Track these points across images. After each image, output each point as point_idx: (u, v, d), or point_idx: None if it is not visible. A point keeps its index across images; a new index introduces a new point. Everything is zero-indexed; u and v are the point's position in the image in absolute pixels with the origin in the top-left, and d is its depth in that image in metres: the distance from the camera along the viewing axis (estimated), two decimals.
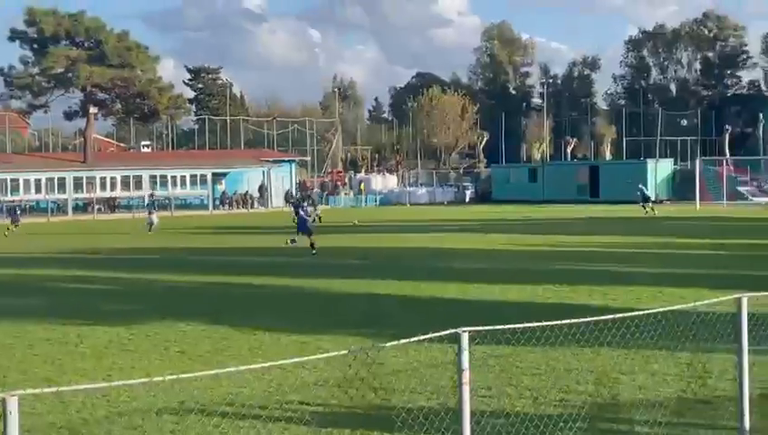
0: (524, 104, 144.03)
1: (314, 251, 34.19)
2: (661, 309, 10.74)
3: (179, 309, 20.49)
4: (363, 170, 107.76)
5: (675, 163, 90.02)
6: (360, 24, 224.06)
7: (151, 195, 72.09)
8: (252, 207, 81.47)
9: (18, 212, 58.17)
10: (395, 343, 7.11)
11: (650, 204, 59.09)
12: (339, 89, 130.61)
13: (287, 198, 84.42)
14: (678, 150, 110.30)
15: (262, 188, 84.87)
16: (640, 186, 61.27)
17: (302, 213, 37.62)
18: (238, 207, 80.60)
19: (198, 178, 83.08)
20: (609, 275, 24.94)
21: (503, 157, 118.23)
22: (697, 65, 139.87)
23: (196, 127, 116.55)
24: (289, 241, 36.67)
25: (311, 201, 36.82)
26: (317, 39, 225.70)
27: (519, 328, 7.68)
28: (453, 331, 6.82)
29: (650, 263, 28.67)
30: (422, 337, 7.13)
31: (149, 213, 55.63)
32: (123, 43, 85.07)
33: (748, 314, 9.18)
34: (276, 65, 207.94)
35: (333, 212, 73.20)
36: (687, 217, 55.63)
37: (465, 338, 6.73)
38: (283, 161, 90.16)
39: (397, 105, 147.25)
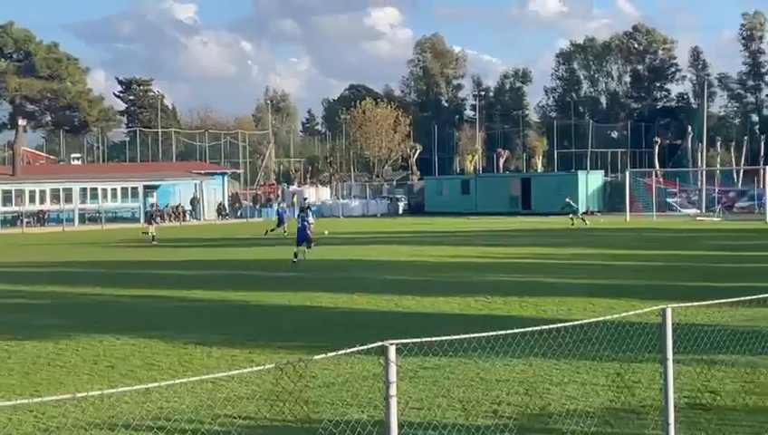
0: (457, 116, 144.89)
1: (295, 260, 34.36)
2: (591, 320, 10.83)
3: (109, 323, 20.25)
4: (296, 183, 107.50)
5: (605, 175, 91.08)
6: (292, 36, 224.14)
7: (152, 205, 70.51)
8: (184, 219, 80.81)
9: None
10: (322, 356, 7.09)
11: (579, 215, 59.71)
12: (271, 101, 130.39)
13: (220, 210, 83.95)
14: (609, 162, 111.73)
15: (194, 201, 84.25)
16: (567, 199, 61.85)
17: (305, 223, 36.13)
18: (170, 220, 79.88)
19: (129, 190, 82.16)
20: (541, 287, 25.14)
21: (435, 169, 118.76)
22: (627, 78, 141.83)
23: (128, 139, 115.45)
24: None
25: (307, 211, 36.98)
26: (250, 51, 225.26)
27: (446, 340, 7.70)
28: (380, 343, 6.82)
29: (581, 274, 28.96)
30: (349, 350, 7.12)
31: (149, 223, 54.89)
32: (53, 54, 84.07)
33: (675, 325, 9.30)
34: (209, 77, 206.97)
35: (267, 225, 72.88)
36: (618, 228, 56.30)
37: (392, 351, 6.73)
38: (216, 174, 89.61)
39: (330, 117, 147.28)
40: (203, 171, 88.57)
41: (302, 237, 35.28)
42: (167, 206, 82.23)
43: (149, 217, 55.90)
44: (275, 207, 74.37)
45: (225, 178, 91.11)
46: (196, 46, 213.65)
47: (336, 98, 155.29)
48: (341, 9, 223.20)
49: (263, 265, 34.58)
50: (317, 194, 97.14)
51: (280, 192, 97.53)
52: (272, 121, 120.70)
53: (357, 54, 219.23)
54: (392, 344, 6.74)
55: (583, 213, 64.89)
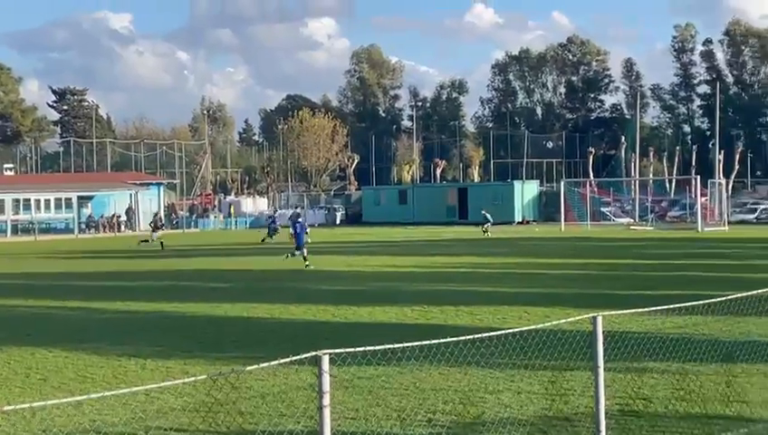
0: (394, 127, 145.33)
1: (308, 263, 36.14)
2: (526, 328, 10.93)
3: (42, 336, 19.96)
4: (233, 193, 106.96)
5: (541, 185, 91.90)
6: (229, 46, 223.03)
7: (156, 214, 69.12)
8: (119, 230, 79.95)
9: None
10: (255, 366, 7.08)
11: (487, 226, 60.27)
12: (208, 111, 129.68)
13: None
14: (544, 172, 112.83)
15: (129, 212, 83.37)
16: (483, 211, 62.36)
17: (299, 229, 38.47)
18: (105, 231, 78.96)
19: (63, 201, 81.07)
20: (476, 296, 25.28)
21: (373, 179, 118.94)
22: (562, 89, 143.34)
23: (62, 149, 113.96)
24: (288, 255, 37.78)
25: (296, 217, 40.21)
26: (186, 61, 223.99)
27: (380, 349, 7.72)
28: (313, 354, 6.82)
29: (516, 283, 29.18)
30: (282, 361, 7.11)
31: (153, 230, 54.57)
32: None
33: (608, 333, 9.43)
34: (145, 87, 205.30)
35: (204, 235, 72.51)
36: (552, 237, 56.82)
37: (325, 361, 6.74)
38: (151, 184, 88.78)
39: (267, 127, 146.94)
40: (138, 182, 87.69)
41: (301, 241, 37.70)
42: (102, 216, 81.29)
43: (156, 225, 55.39)
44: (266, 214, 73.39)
45: (162, 188, 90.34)
46: (132, 56, 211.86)
47: (273, 108, 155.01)
48: (278, 19, 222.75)
49: (199, 276, 34.35)
50: (254, 204, 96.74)
51: (217, 202, 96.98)
52: (208, 132, 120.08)
53: (294, 64, 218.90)
54: (325, 354, 6.75)
55: (523, 223, 65.36)
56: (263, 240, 56.25)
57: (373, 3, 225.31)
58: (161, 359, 16.72)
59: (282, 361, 7.15)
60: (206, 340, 19.16)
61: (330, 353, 6.82)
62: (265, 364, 7.13)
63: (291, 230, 38.41)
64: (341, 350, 7.20)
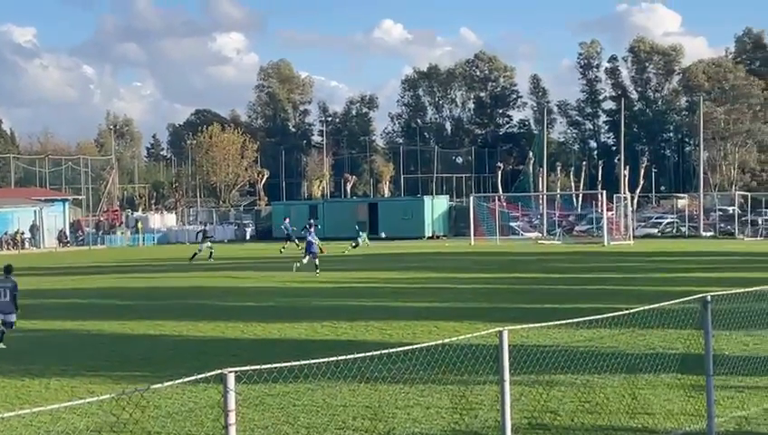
0: (304, 142, 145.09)
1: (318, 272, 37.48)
2: (435, 343, 10.94)
3: None
4: (141, 209, 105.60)
5: (450, 199, 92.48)
6: (136, 60, 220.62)
7: (204, 226, 66.47)
8: (23, 247, 78.32)
9: None
10: (159, 385, 6.95)
11: (360, 240, 60.53)
12: (114, 126, 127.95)
13: (60, 237, 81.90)
14: (454, 187, 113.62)
15: (33, 228, 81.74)
16: (357, 227, 62.87)
17: (309, 238, 40.54)
18: (8, 249, 77.27)
19: None
20: (386, 311, 25.31)
21: (283, 194, 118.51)
22: (471, 105, 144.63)
23: None
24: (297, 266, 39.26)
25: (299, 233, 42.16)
26: (92, 75, 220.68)
27: (287, 366, 7.65)
28: (219, 372, 6.73)
29: (426, 297, 29.28)
30: (187, 379, 7.00)
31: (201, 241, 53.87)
32: None
33: (518, 346, 9.49)
34: (49, 102, 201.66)
35: (110, 252, 71.42)
36: (462, 251, 57.18)
37: (230, 379, 6.65)
38: (56, 200, 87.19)
39: (176, 142, 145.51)
40: (43, 198, 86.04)
41: (312, 249, 40.10)
42: (5, 233, 79.57)
43: (204, 236, 53.92)
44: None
45: (67, 204, 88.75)
46: (36, 70, 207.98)
47: (182, 123, 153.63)
48: (186, 33, 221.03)
49: (105, 294, 33.79)
50: (162, 220, 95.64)
51: (124, 218, 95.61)
52: (115, 147, 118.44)
53: (203, 79, 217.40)
54: (231, 372, 6.66)
55: (433, 237, 65.70)
56: (201, 256, 54.30)
57: (282, 18, 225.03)
58: (66, 378, 16.40)
59: (186, 379, 7.04)
60: (112, 358, 18.84)
61: (235, 371, 6.73)
62: (170, 383, 7.01)
63: (309, 238, 40.66)
64: (247, 367, 7.11)
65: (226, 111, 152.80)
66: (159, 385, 7.00)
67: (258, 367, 7.27)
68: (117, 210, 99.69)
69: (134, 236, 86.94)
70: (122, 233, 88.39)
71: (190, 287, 35.42)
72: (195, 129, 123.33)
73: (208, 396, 13.92)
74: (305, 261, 38.97)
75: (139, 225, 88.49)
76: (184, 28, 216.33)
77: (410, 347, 10.34)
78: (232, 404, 6.69)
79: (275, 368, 7.48)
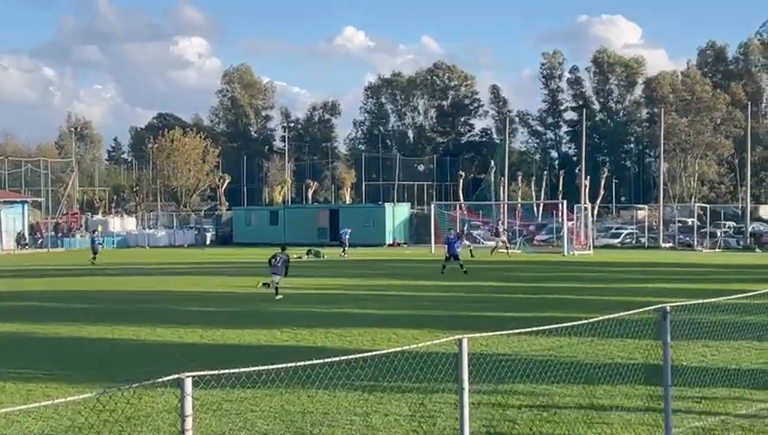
0: (266, 147, 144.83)
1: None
2: (394, 350, 10.91)
3: None
4: (101, 212, 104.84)
5: (412, 207, 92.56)
6: (97, 63, 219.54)
7: (94, 232, 64.82)
8: None
9: None
10: (115, 389, 6.87)
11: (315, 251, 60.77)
12: (75, 128, 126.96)
13: (19, 239, 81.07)
14: (415, 195, 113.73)
15: None
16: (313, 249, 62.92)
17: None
18: None
19: None
20: (346, 318, 25.27)
21: (244, 199, 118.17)
22: (433, 113, 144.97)
23: None
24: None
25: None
26: (52, 77, 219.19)
27: (245, 371, 7.59)
28: (176, 376, 6.66)
29: (386, 305, 29.26)
30: (143, 383, 6.93)
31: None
32: None
33: (477, 355, 9.48)
34: (9, 103, 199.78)
35: (69, 255, 70.80)
36: (423, 259, 57.19)
37: (188, 383, 6.58)
38: (15, 202, 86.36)
39: (137, 146, 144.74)
40: (1, 200, 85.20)
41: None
42: None
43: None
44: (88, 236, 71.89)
45: (26, 206, 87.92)
46: None
47: (144, 126, 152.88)
48: (148, 37, 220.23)
49: (63, 296, 33.47)
50: (122, 224, 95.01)
51: (83, 221, 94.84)
52: (75, 149, 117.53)
53: (164, 83, 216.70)
54: (188, 377, 6.59)
55: (394, 245, 65.71)
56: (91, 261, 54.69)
57: (244, 23, 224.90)
58: (22, 381, 16.21)
59: (143, 383, 6.97)
60: (70, 362, 18.66)
61: (192, 376, 6.66)
62: (126, 387, 6.93)
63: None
64: (205, 372, 7.05)
65: (188, 116, 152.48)
66: (116, 389, 6.91)
67: (216, 372, 7.21)
68: (76, 213, 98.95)
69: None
70: (81, 236, 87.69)
71: (149, 291, 35.17)
72: (156, 132, 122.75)
73: (165, 401, 13.81)
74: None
75: (99, 228, 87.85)
76: (146, 32, 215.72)
77: (369, 354, 10.29)
78: (189, 409, 6.62)
79: (233, 373, 7.42)
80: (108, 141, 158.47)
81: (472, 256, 54.58)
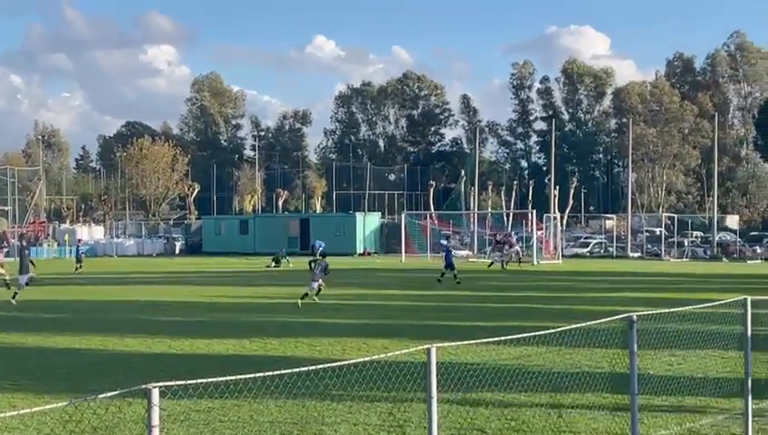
0: (236, 156, 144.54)
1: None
2: (364, 359, 10.91)
3: None
4: (68, 221, 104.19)
5: (382, 216, 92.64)
6: (65, 71, 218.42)
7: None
8: None
9: None
10: (82, 399, 6.83)
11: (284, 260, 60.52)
12: (42, 136, 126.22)
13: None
14: (386, 204, 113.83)
15: None
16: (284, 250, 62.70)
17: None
18: None
19: None
20: (316, 327, 25.23)
21: (214, 208, 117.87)
22: (404, 122, 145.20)
23: None
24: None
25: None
26: (19, 85, 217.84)
27: (213, 382, 7.57)
28: (143, 386, 6.63)
29: (356, 314, 29.24)
30: (110, 394, 6.90)
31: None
32: None
33: (446, 364, 9.50)
34: None
35: (36, 264, 70.18)
36: (393, 268, 57.28)
37: (155, 394, 6.56)
38: None
39: (105, 154, 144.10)
40: None
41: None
42: None
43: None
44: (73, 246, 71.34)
45: None
46: None
47: (112, 135, 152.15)
48: (116, 45, 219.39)
49: (29, 306, 33.18)
50: (90, 233, 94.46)
51: (51, 230, 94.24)
52: (43, 158, 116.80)
53: (133, 91, 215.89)
54: (155, 387, 6.57)
55: (364, 254, 65.63)
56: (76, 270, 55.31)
57: (214, 31, 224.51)
58: None
59: (110, 394, 6.93)
60: (36, 372, 18.51)
61: (160, 386, 6.64)
62: (93, 398, 6.89)
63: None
64: (172, 383, 7.02)
65: (157, 124, 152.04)
66: (83, 399, 6.88)
67: (183, 382, 7.19)
68: (43, 222, 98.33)
69: (60, 249, 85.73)
70: (49, 245, 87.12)
71: (117, 301, 34.98)
72: (125, 141, 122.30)
73: (133, 411, 13.74)
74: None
75: (67, 237, 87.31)
76: (114, 40, 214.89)
77: (339, 363, 10.28)
78: (156, 420, 6.60)
79: (201, 383, 7.40)
80: (76, 150, 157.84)
81: (503, 267, 54.61)
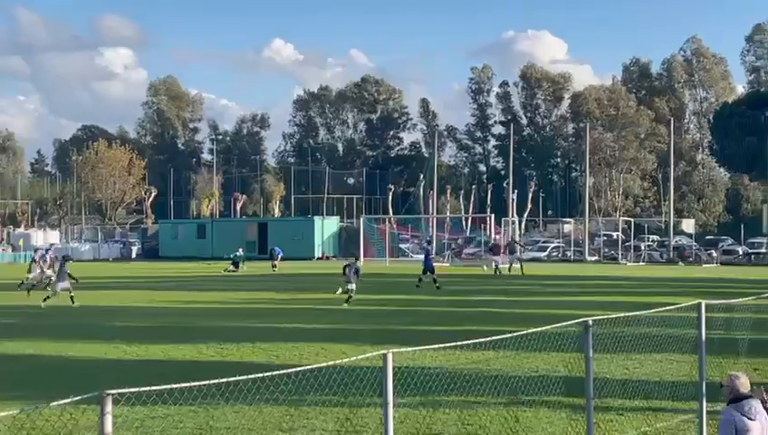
0: (194, 160, 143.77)
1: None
2: (322, 365, 10.86)
3: None
4: (23, 226, 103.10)
5: (341, 220, 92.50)
6: (19, 73, 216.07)
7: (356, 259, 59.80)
8: None
9: None
10: (33, 407, 6.72)
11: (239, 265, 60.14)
12: None
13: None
14: (345, 208, 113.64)
15: None
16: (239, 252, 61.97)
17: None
18: None
19: None
20: (274, 332, 25.12)
21: (171, 212, 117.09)
22: (362, 126, 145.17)
23: None
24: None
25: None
26: None
27: (167, 389, 7.48)
28: (96, 394, 6.53)
29: (314, 319, 29.16)
30: (62, 401, 6.79)
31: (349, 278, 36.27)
32: None
33: (404, 368, 9.46)
34: None
35: None
36: None
37: (108, 401, 6.47)
38: None
39: (61, 158, 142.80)
40: None
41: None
42: None
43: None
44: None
45: None
46: None
47: (68, 138, 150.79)
48: (72, 48, 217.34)
49: None
50: (45, 237, 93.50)
51: (5, 235, 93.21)
52: None
53: (89, 94, 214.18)
54: (108, 395, 6.48)
55: (322, 258, 65.30)
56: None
57: (171, 34, 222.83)
58: None
59: (63, 401, 6.82)
60: None
61: (113, 394, 6.55)
62: (45, 405, 6.79)
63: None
64: (126, 390, 6.93)
65: (114, 128, 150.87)
66: (34, 407, 6.77)
67: (137, 389, 7.09)
68: None
69: (15, 254, 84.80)
70: (3, 250, 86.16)
71: (71, 306, 34.62)
72: (81, 144, 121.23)
73: (87, 418, 13.53)
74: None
75: (21, 242, 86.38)
76: (70, 42, 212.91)
77: (296, 369, 10.22)
78: (108, 428, 6.50)
79: (155, 390, 7.31)
80: (31, 153, 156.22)
81: (509, 271, 53.94)
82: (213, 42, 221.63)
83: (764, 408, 8.96)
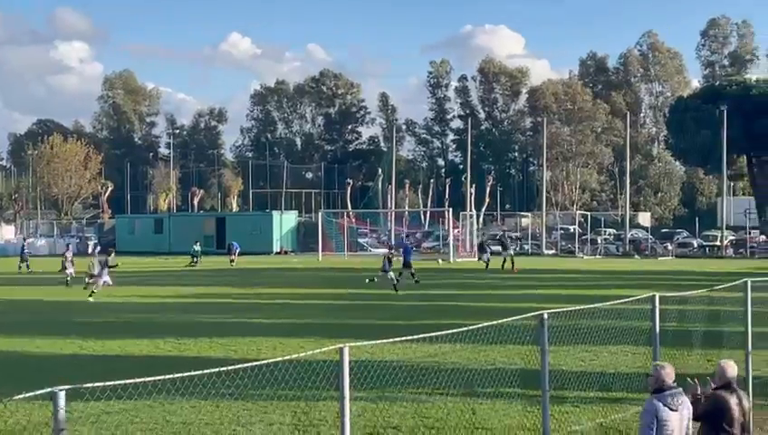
0: (151, 154, 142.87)
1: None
2: (279, 359, 10.85)
3: None
4: None
5: (300, 215, 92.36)
6: None
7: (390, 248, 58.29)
8: None
9: None
10: None
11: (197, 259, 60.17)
12: None
13: None
14: (303, 203, 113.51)
15: None
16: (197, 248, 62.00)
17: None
18: None
19: None
20: (232, 327, 25.06)
21: (128, 207, 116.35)
22: (320, 120, 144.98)
23: None
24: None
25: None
26: None
27: (120, 384, 7.44)
28: (49, 390, 6.49)
29: (272, 313, 29.13)
30: (15, 398, 6.75)
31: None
32: None
33: (362, 362, 9.48)
34: None
35: None
36: (310, 267, 57.15)
37: (61, 397, 6.43)
38: None
39: (16, 153, 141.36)
40: None
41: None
42: None
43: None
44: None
45: None
46: None
47: (23, 132, 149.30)
48: (26, 41, 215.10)
49: None
50: (0, 233, 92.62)
51: None
52: None
53: (44, 88, 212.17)
54: (61, 390, 6.43)
55: (281, 253, 65.27)
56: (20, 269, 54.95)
57: (127, 28, 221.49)
58: None
59: (16, 397, 6.77)
60: None
61: (66, 389, 6.51)
62: None
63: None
64: (79, 385, 6.89)
65: (69, 122, 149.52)
66: None
67: (91, 385, 7.05)
68: None
69: None
70: None
71: (27, 301, 34.34)
72: (36, 139, 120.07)
73: (42, 414, 13.47)
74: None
75: (30, 239, 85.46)
76: (24, 36, 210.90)
77: (254, 364, 10.20)
78: (62, 423, 6.46)
79: (109, 386, 7.27)
80: None
81: (486, 268, 53.24)
82: (170, 35, 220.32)
83: (697, 401, 9.06)
